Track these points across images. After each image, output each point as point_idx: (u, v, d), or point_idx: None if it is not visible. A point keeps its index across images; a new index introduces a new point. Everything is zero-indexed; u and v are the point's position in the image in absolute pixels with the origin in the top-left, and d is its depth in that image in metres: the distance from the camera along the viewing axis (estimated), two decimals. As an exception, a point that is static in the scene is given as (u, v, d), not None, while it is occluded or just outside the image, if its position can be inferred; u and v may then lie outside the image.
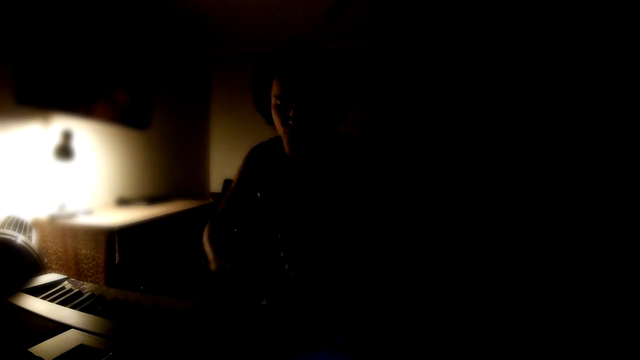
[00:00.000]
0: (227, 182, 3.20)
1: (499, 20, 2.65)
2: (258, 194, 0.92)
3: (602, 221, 2.40)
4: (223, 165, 3.54)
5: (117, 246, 1.52)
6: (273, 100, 0.77)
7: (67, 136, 1.53)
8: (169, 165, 2.78)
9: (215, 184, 3.47)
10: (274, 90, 0.76)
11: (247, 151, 0.95)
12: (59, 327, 0.54)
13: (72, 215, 1.54)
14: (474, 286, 2.07)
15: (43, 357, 0.44)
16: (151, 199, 2.19)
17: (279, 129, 0.80)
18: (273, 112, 0.79)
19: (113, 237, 1.44)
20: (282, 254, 0.93)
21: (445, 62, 3.07)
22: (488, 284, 2.10)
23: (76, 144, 1.58)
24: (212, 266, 0.72)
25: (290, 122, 0.75)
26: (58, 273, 0.85)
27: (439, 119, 3.10)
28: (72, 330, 0.53)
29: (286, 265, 0.92)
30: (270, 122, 0.85)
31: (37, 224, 1.42)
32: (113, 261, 1.44)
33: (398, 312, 0.67)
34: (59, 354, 0.45)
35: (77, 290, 0.71)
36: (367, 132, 3.25)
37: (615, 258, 2.18)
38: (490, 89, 2.96)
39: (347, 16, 2.24)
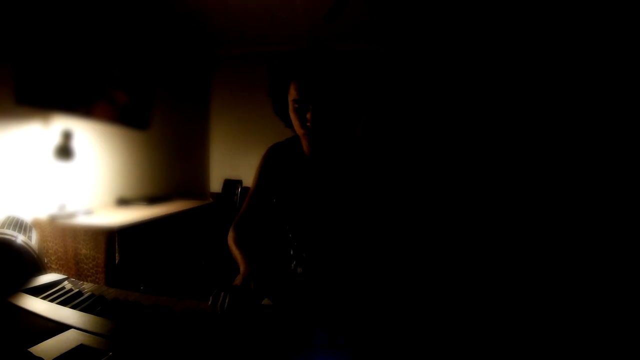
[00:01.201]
0: (227, 182, 3.20)
1: (498, 19, 2.65)
2: (275, 197, 0.93)
3: (602, 221, 2.40)
4: (223, 165, 3.54)
5: (117, 246, 1.52)
6: (291, 104, 0.80)
7: (67, 136, 1.53)
8: (169, 165, 2.78)
9: (215, 184, 3.47)
10: (292, 94, 0.79)
11: (264, 151, 0.98)
12: (59, 327, 0.54)
13: (72, 215, 1.54)
14: (474, 286, 2.07)
15: (43, 357, 0.44)
16: (151, 199, 2.19)
17: (298, 130, 0.83)
18: (292, 114, 0.82)
19: (113, 237, 1.44)
20: (291, 252, 0.93)
21: (445, 62, 3.07)
22: (488, 284, 2.10)
23: (76, 144, 1.58)
24: (242, 270, 0.73)
25: (309, 124, 0.78)
26: (58, 273, 0.84)
27: (438, 119, 3.09)
28: (72, 330, 0.53)
29: (293, 263, 0.93)
30: (289, 125, 0.88)
31: (37, 224, 1.42)
32: (113, 261, 1.44)
33: (398, 312, 0.67)
34: (59, 354, 0.45)
35: (77, 290, 0.71)
36: (367, 132, 3.25)
37: (615, 258, 2.18)
38: (490, 89, 2.96)
39: (347, 16, 2.24)
